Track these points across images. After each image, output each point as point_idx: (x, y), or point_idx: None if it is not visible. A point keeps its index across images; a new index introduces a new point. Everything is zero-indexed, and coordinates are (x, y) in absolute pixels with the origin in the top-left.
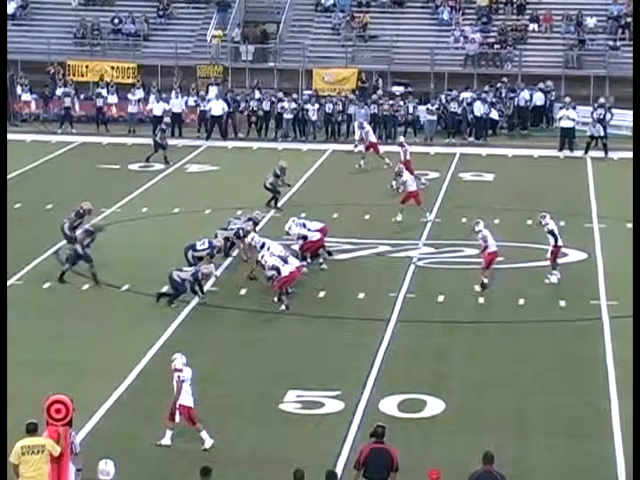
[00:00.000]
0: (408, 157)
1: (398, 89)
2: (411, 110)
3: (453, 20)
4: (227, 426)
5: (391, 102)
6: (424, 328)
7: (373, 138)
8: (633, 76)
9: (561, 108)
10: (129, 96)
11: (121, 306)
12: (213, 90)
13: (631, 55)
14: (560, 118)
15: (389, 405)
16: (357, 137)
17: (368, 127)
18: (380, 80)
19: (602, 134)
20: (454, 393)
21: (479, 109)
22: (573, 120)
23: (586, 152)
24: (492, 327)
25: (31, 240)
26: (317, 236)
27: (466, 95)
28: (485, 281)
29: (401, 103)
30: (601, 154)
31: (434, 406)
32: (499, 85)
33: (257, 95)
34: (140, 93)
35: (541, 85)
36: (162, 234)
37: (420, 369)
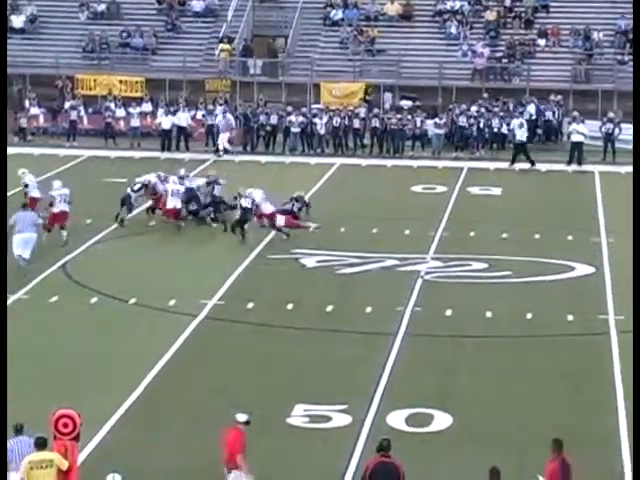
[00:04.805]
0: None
1: (406, 103)
2: (419, 124)
3: (461, 34)
4: None
5: (399, 116)
6: (432, 342)
7: None
8: (633, 87)
9: (569, 123)
10: (130, 110)
11: (128, 319)
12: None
13: None
14: (570, 133)
15: (397, 419)
16: (221, 146)
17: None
18: (389, 94)
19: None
20: (462, 407)
21: (522, 128)
22: (583, 134)
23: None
24: (500, 341)
25: (38, 254)
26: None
27: (474, 109)
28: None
29: (409, 117)
30: (610, 168)
31: (442, 420)
32: (480, 102)
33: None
34: (148, 107)
35: (552, 98)
36: (169, 247)
37: (428, 383)
